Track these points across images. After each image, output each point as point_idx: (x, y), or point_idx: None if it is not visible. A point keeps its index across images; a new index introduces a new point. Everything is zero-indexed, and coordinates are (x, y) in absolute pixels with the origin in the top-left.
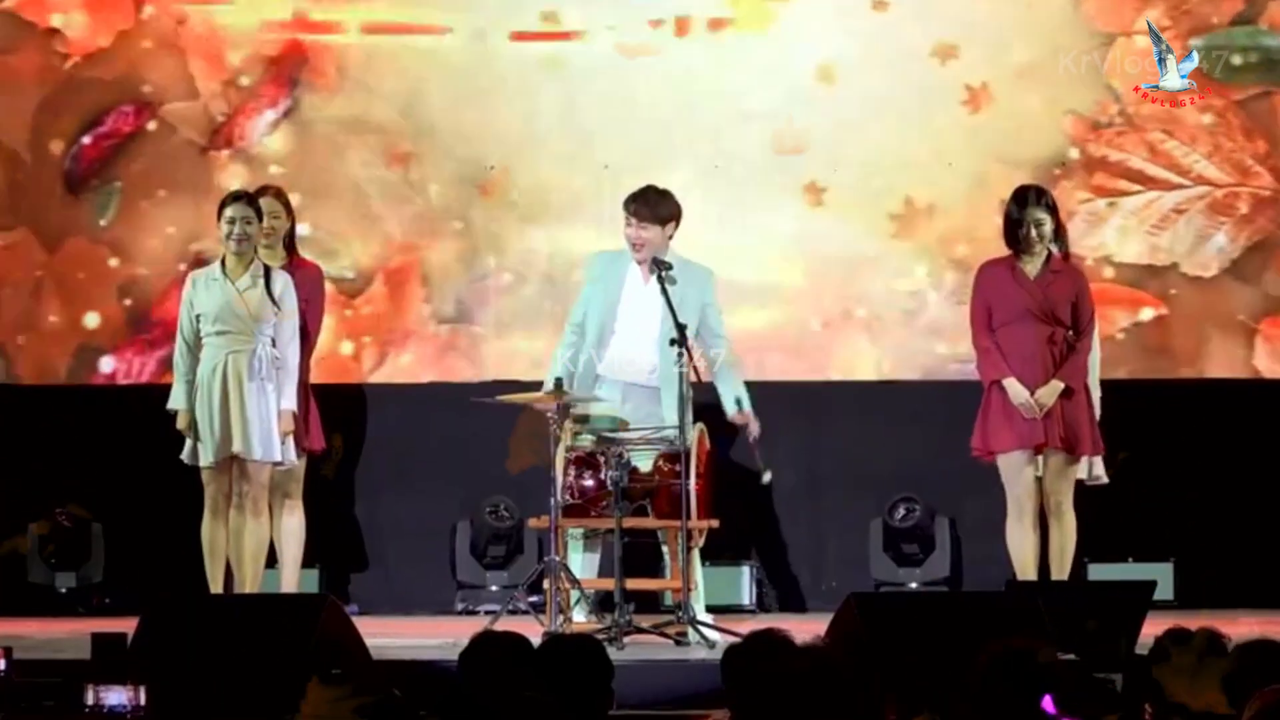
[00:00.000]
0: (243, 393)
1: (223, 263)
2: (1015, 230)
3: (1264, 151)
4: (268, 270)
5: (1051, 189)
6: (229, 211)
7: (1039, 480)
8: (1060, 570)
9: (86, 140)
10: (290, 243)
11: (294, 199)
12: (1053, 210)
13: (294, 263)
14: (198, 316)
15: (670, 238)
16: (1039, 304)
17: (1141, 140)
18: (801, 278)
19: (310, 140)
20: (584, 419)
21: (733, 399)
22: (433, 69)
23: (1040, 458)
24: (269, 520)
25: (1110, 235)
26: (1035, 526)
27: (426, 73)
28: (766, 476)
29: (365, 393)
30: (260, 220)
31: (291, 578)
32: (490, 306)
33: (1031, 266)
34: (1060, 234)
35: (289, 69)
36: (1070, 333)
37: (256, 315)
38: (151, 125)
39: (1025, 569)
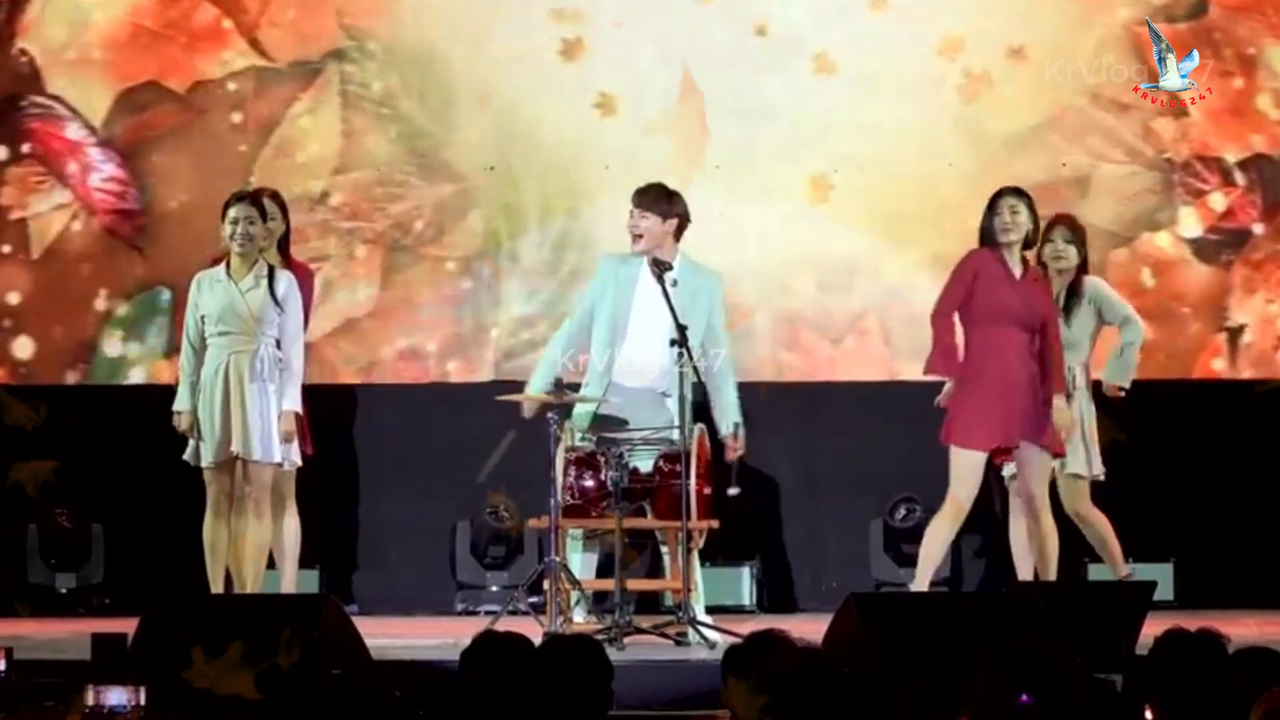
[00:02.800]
0: (244, 393)
1: (227, 264)
2: (990, 221)
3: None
4: (271, 270)
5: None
6: (232, 212)
7: (1012, 480)
8: (1047, 575)
9: (120, 128)
10: (285, 245)
11: (318, 184)
12: (1030, 207)
13: (288, 264)
14: (202, 318)
15: (673, 236)
16: (1026, 307)
17: (1138, 119)
18: (804, 277)
19: (334, 131)
20: (586, 420)
21: (730, 421)
22: (445, 64)
23: (1019, 457)
24: (270, 522)
25: (1085, 198)
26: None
27: (438, 67)
28: (733, 491)
29: (365, 393)
30: (265, 220)
31: (290, 580)
32: (494, 303)
33: (1015, 265)
34: (1035, 239)
35: (321, 58)
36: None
37: (259, 316)
38: (184, 117)
39: (931, 565)
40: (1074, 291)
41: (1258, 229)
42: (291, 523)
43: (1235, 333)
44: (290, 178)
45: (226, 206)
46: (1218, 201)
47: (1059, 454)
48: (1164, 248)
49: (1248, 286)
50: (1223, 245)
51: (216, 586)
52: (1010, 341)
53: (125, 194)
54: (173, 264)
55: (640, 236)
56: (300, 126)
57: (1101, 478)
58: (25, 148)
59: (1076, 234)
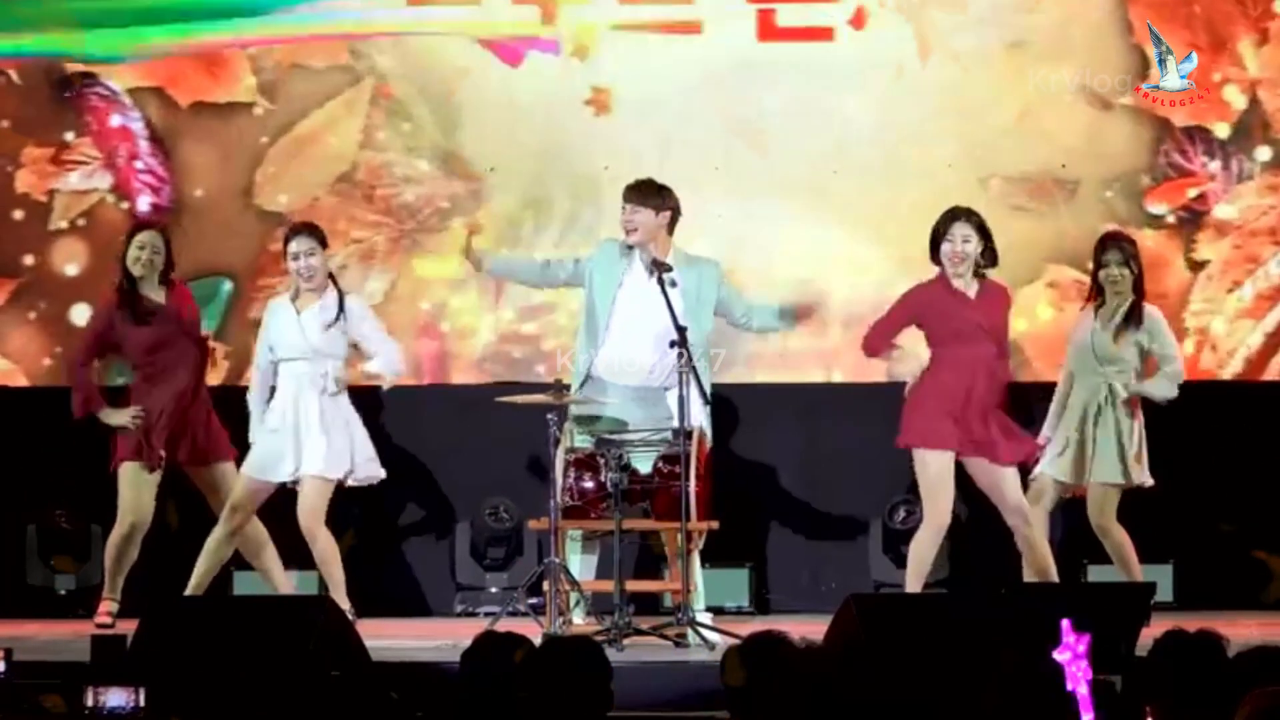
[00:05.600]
0: (303, 415)
1: (296, 292)
2: (939, 243)
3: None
4: (340, 299)
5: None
6: (293, 246)
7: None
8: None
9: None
10: (168, 274)
11: (328, 178)
12: (981, 232)
13: (173, 290)
14: (270, 347)
15: (665, 230)
16: (986, 321)
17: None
18: (803, 276)
19: (351, 129)
20: (585, 420)
21: (778, 310)
22: (442, 67)
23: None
24: (322, 535)
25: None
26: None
27: (439, 70)
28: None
29: (365, 393)
30: (325, 247)
31: (282, 580)
32: (496, 303)
33: (966, 286)
34: (987, 254)
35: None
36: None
37: (319, 346)
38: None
39: (920, 576)
40: (1132, 316)
41: (1222, 210)
42: (250, 529)
43: (1199, 265)
44: (303, 169)
45: (286, 240)
46: (1190, 189)
47: (1015, 461)
48: (1151, 246)
49: (1221, 230)
50: (1194, 227)
51: (195, 592)
52: (975, 356)
53: (160, 189)
54: (201, 256)
55: (634, 230)
56: (318, 121)
57: (1144, 485)
58: (71, 134)
59: (1126, 252)
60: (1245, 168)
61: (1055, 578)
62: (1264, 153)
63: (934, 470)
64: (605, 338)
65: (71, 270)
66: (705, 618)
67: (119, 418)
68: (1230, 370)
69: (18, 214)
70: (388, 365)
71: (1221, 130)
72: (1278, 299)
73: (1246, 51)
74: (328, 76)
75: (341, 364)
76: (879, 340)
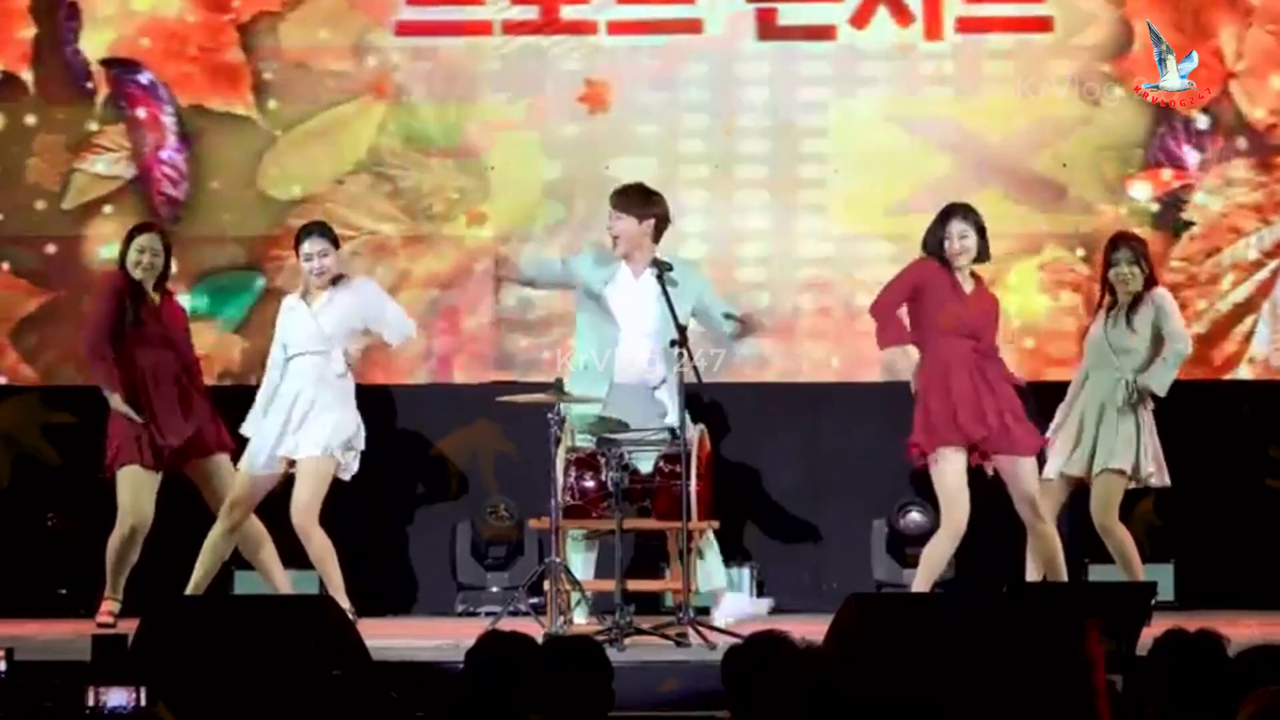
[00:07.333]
0: (310, 401)
1: (305, 290)
2: (940, 243)
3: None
4: (337, 281)
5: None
6: (305, 247)
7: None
8: (1057, 579)
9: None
10: (162, 281)
11: (330, 176)
12: (978, 228)
13: (166, 298)
14: (284, 345)
15: (651, 237)
16: (976, 319)
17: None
18: (803, 276)
19: (359, 126)
20: (586, 419)
21: (732, 322)
22: (445, 65)
23: (1001, 472)
24: (317, 534)
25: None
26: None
27: (441, 69)
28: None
29: (365, 393)
30: (336, 247)
31: (281, 578)
32: (495, 303)
33: (964, 281)
34: (983, 250)
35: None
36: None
37: (331, 334)
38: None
39: (931, 578)
40: (1138, 302)
41: (1203, 198)
42: (250, 528)
43: (1185, 226)
44: (313, 163)
45: (298, 241)
46: (1168, 175)
47: (1032, 450)
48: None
49: (1207, 209)
50: (1177, 211)
51: (196, 590)
52: (960, 352)
53: (179, 183)
54: (220, 251)
55: (617, 239)
56: (327, 118)
57: (1154, 484)
58: (94, 124)
59: (1136, 251)
60: (1229, 155)
61: (1063, 571)
62: (1242, 142)
63: (951, 475)
64: (611, 342)
65: (106, 254)
66: (728, 596)
67: (125, 408)
68: (1193, 330)
69: (40, 204)
70: (398, 331)
71: (1203, 121)
72: (1252, 273)
73: (1228, 41)
74: (333, 77)
75: (355, 347)
76: (887, 306)
